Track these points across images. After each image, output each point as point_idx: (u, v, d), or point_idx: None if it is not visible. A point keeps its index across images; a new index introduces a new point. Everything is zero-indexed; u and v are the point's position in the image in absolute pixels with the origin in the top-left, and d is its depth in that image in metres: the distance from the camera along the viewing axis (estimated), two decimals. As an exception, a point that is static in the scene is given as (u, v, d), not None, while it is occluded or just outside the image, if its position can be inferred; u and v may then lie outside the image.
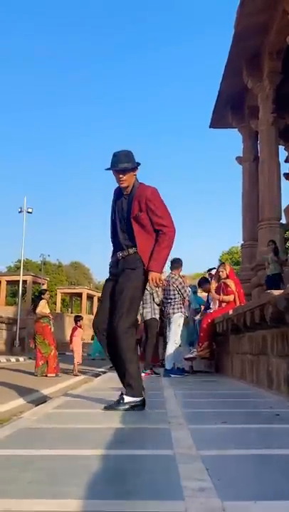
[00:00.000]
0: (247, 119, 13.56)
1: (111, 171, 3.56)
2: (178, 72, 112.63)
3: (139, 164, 3.59)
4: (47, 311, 9.91)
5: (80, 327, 10.77)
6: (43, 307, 9.75)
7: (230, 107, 13.96)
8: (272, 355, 4.45)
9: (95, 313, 3.79)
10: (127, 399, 3.38)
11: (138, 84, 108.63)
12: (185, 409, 3.39)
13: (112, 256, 3.74)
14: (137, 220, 3.52)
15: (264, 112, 11.65)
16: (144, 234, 3.55)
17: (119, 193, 3.70)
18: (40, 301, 9.88)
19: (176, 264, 7.51)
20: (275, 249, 10.47)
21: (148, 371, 7.18)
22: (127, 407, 3.34)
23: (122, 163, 3.49)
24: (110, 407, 3.39)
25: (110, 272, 3.74)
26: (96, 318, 3.70)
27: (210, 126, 15.35)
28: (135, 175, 3.60)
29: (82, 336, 10.77)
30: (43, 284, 37.89)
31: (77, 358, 10.12)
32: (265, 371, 4.70)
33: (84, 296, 43.95)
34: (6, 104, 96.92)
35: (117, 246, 3.67)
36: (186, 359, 7.55)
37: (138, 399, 3.41)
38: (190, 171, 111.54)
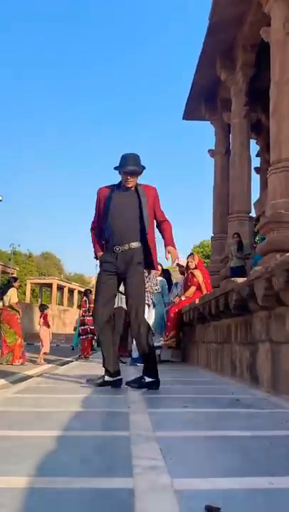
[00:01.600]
0: (219, 112, 13.58)
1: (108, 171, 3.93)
2: (154, 62, 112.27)
3: (144, 168, 3.84)
4: (16, 300, 9.72)
5: (46, 316, 10.44)
6: (12, 296, 9.56)
7: (204, 99, 13.93)
8: (236, 344, 4.49)
9: (95, 306, 3.98)
10: (147, 379, 3.73)
11: (114, 71, 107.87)
12: (147, 395, 3.38)
13: (107, 251, 3.85)
14: (152, 216, 3.85)
15: (237, 105, 11.68)
16: (152, 228, 3.88)
17: (111, 192, 3.87)
18: (10, 289, 9.70)
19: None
20: (238, 243, 10.41)
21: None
22: (100, 382, 3.83)
23: (132, 166, 3.74)
24: (129, 384, 3.80)
25: (108, 267, 3.85)
26: (98, 311, 3.87)
27: (183, 118, 15.32)
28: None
29: (50, 326, 10.45)
30: (12, 274, 37.37)
31: (45, 347, 9.95)
32: (229, 359, 4.74)
33: (54, 287, 43.53)
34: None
35: (114, 241, 3.79)
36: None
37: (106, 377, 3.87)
38: (161, 164, 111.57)
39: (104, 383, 3.83)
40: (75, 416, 2.50)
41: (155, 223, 3.96)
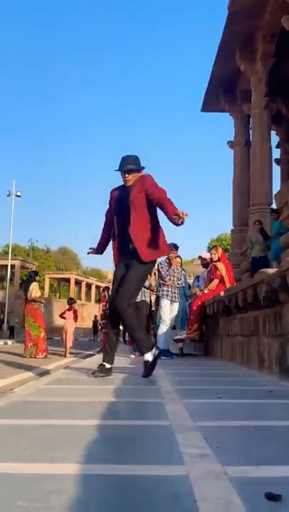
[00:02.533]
0: (239, 103, 13.46)
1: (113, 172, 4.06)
2: (172, 53, 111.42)
3: (143, 168, 4.09)
4: (38, 293, 9.85)
5: (70, 310, 10.64)
6: (35, 290, 9.68)
7: (223, 91, 13.82)
8: (264, 336, 4.45)
9: (110, 294, 4.41)
10: (147, 356, 3.90)
11: (132, 65, 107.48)
12: (177, 386, 3.37)
13: (121, 248, 4.10)
14: (134, 203, 3.95)
15: (257, 96, 11.56)
16: (147, 217, 3.98)
17: (119, 192, 4.14)
18: (32, 284, 9.79)
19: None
20: (261, 230, 9.85)
21: (137, 353, 7.17)
22: (153, 360, 3.92)
23: (128, 165, 4.03)
24: (146, 374, 3.87)
25: (121, 264, 4.11)
26: (111, 296, 4.22)
27: (201, 110, 15.21)
28: (139, 176, 4.07)
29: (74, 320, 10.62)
30: (31, 269, 37.70)
31: (69, 341, 10.09)
32: (256, 352, 4.71)
33: (72, 282, 43.84)
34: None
35: (125, 238, 4.00)
36: (175, 340, 7.55)
37: (153, 351, 3.96)
38: (179, 156, 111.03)
39: (105, 371, 3.98)
40: (111, 406, 2.50)
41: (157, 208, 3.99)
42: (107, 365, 4.04)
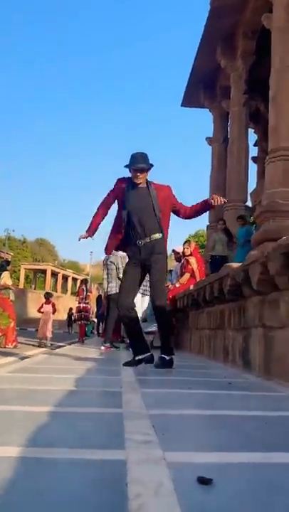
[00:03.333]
0: (218, 99, 13.47)
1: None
2: (153, 48, 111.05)
3: (152, 165, 4.13)
4: (10, 282, 9.75)
5: (48, 303, 10.67)
6: (6, 278, 9.57)
7: (203, 86, 13.81)
8: (229, 329, 4.50)
9: (120, 294, 4.29)
10: (167, 357, 4.04)
11: (114, 55, 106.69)
12: (139, 377, 3.39)
13: (131, 244, 4.15)
14: (164, 212, 4.12)
15: (236, 93, 11.59)
16: (167, 223, 4.17)
17: (127, 186, 4.14)
18: (3, 273, 9.69)
19: None
20: (225, 230, 9.58)
21: (108, 345, 7.18)
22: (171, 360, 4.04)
23: (141, 163, 4.05)
24: (157, 366, 3.98)
25: (133, 259, 4.18)
26: (123, 298, 4.15)
27: (182, 105, 15.20)
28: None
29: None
30: (6, 259, 37.29)
31: (48, 332, 10.21)
32: (222, 345, 4.77)
33: (48, 273, 43.49)
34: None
35: (136, 234, 4.08)
36: (145, 333, 7.57)
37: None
38: (158, 149, 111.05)
39: (138, 362, 4.06)
40: (69, 394, 2.51)
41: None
42: (140, 357, 4.09)
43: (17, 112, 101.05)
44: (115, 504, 1.01)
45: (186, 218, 4.26)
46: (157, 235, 4.07)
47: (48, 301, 10.83)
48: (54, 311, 10.71)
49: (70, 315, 28.67)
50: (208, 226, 14.32)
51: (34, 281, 48.25)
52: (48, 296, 11.12)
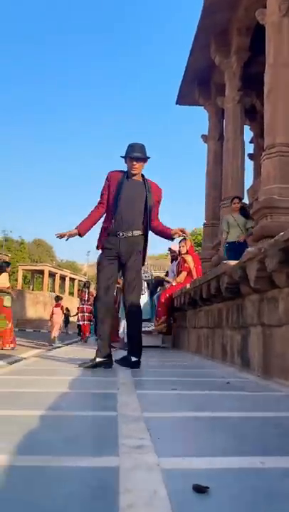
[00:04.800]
0: (213, 97, 13.42)
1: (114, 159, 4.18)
2: (146, 46, 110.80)
3: (149, 157, 4.05)
4: (7, 284, 9.67)
5: (58, 306, 12.35)
6: (3, 280, 9.50)
7: (197, 84, 13.76)
8: (227, 328, 4.44)
9: (97, 292, 4.25)
10: (133, 358, 4.00)
11: (110, 53, 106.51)
12: (136, 378, 3.34)
13: (110, 235, 4.01)
14: (151, 209, 4.05)
15: (230, 90, 11.54)
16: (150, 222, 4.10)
17: (122, 177, 4.05)
18: (2, 274, 9.61)
19: None
20: (242, 209, 8.11)
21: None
22: (135, 361, 3.99)
23: (137, 153, 3.98)
24: (117, 362, 4.06)
25: (109, 253, 4.03)
26: (101, 297, 4.07)
27: (176, 103, 15.14)
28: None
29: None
30: (4, 260, 37.20)
31: (56, 331, 11.44)
32: (220, 344, 4.71)
33: (46, 274, 43.36)
34: None
35: (119, 226, 3.98)
36: (143, 332, 7.51)
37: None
38: (153, 148, 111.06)
39: (96, 364, 3.97)
40: (62, 396, 2.45)
41: (152, 225, 4.17)
42: (99, 359, 4.02)
43: (13, 109, 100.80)
44: (105, 517, 0.96)
45: (149, 229, 4.17)
46: (139, 232, 4.03)
47: (57, 304, 12.37)
48: (63, 312, 12.30)
49: (66, 315, 28.64)
50: (204, 224, 14.28)
51: (32, 281, 48.14)
52: (57, 299, 12.73)
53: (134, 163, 3.98)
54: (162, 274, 9.53)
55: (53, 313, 12.29)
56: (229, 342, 4.36)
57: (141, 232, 4.04)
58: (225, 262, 4.01)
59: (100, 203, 4.15)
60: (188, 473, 1.23)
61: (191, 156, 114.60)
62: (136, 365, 3.97)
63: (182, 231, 4.11)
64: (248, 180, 13.85)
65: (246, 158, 13.20)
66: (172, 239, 4.28)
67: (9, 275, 9.94)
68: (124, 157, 4.05)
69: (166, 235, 4.18)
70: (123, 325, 7.30)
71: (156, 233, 4.23)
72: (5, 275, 9.65)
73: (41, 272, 44.72)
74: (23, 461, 1.29)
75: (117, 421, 1.81)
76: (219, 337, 4.75)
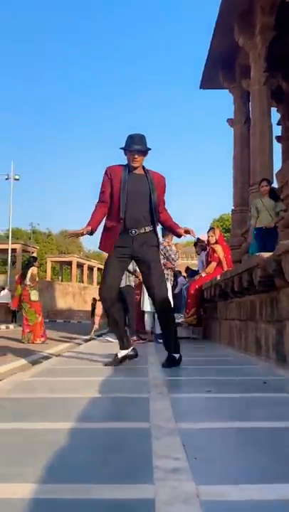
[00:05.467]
0: (238, 79, 13.07)
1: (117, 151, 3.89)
2: (169, 30, 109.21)
3: (150, 149, 3.87)
4: (36, 278, 9.73)
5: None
6: (34, 275, 9.56)
7: (221, 67, 13.41)
8: (261, 321, 4.28)
9: (101, 286, 4.01)
10: (177, 356, 3.84)
11: (131, 40, 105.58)
12: (168, 377, 3.22)
13: (122, 234, 3.84)
14: (157, 203, 3.87)
15: (256, 71, 11.18)
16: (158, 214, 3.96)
17: (124, 171, 3.86)
18: (30, 269, 9.65)
19: (167, 231, 7.18)
20: (271, 192, 7.63)
21: (134, 337, 7.05)
22: (178, 358, 3.85)
23: (138, 145, 3.79)
24: (165, 365, 3.81)
25: (121, 251, 3.87)
26: (105, 290, 3.91)
27: (200, 87, 14.81)
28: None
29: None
30: (32, 253, 37.63)
31: (97, 323, 10.80)
32: (254, 337, 4.55)
33: (74, 265, 43.70)
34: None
35: (130, 223, 3.81)
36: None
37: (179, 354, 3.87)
38: (179, 135, 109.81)
39: (122, 359, 3.98)
40: (91, 404, 2.35)
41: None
42: (123, 353, 4.03)
43: (43, 99, 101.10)
44: None
45: (157, 223, 4.02)
46: (150, 227, 3.89)
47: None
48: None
49: (93, 305, 28.82)
50: (233, 210, 14.00)
51: (61, 272, 48.65)
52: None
53: (136, 156, 3.80)
54: (190, 262, 9.35)
55: (94, 307, 12.48)
56: (263, 335, 4.20)
57: (151, 227, 3.91)
58: (258, 254, 3.83)
59: (101, 201, 3.92)
60: (234, 506, 1.11)
61: (217, 140, 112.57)
62: (179, 361, 3.87)
63: (189, 232, 4.01)
64: (277, 164, 13.47)
65: (274, 140, 12.83)
66: (179, 237, 4.19)
67: (38, 268, 9.98)
68: (124, 149, 3.87)
69: (175, 233, 4.12)
70: (149, 318, 7.20)
71: (165, 228, 4.21)
72: (34, 269, 9.68)
73: (69, 263, 45.12)
74: (47, 492, 1.19)
75: (150, 434, 1.70)
76: (252, 330, 4.59)
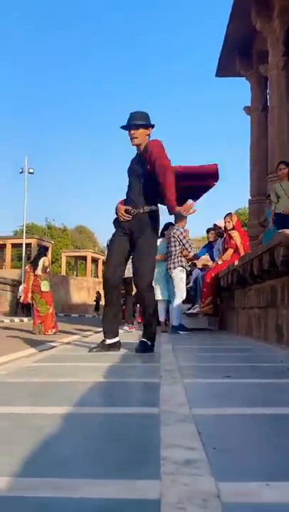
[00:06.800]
0: (255, 65, 12.67)
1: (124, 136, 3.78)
2: (182, 17, 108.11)
3: (153, 126, 3.77)
4: (48, 268, 9.53)
5: None
6: (46, 265, 9.36)
7: (238, 53, 13.02)
8: (283, 307, 3.98)
9: (106, 265, 3.99)
10: (150, 342, 3.74)
11: (142, 30, 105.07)
12: (182, 363, 2.94)
13: (126, 212, 3.80)
14: (151, 176, 3.68)
15: (274, 56, 10.78)
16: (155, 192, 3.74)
17: (134, 157, 3.89)
18: (42, 258, 9.43)
19: (181, 216, 6.85)
20: None
21: (130, 325, 6.99)
22: (151, 347, 3.74)
23: (135, 120, 3.72)
24: (137, 351, 3.69)
25: (122, 227, 3.82)
26: (110, 272, 3.83)
27: (216, 75, 14.43)
28: (148, 135, 3.78)
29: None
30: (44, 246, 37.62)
31: None
32: (274, 325, 4.25)
33: (89, 259, 43.63)
34: (4, 59, 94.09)
35: (130, 202, 3.81)
36: (187, 315, 7.11)
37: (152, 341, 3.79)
38: (193, 125, 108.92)
39: (108, 346, 3.80)
40: (96, 387, 2.09)
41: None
42: (108, 341, 3.82)
43: (52, 95, 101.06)
44: None
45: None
46: (147, 207, 3.73)
47: None
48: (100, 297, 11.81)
49: (97, 298, 28.70)
50: (250, 200, 13.62)
51: (75, 267, 48.66)
52: None
53: (132, 131, 3.73)
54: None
55: (98, 300, 12.40)
56: (285, 322, 3.90)
57: (148, 208, 3.75)
58: (281, 231, 3.53)
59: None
60: (264, 509, 0.83)
61: (232, 130, 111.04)
62: (151, 349, 3.74)
63: (214, 224, 3.80)
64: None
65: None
66: (170, 213, 3.96)
67: (49, 260, 9.80)
68: (125, 127, 3.81)
69: (168, 207, 3.73)
70: (162, 307, 6.91)
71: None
72: (45, 259, 9.49)
73: (84, 258, 45.10)
74: (27, 485, 0.92)
75: (160, 421, 1.42)
76: (273, 317, 4.28)
